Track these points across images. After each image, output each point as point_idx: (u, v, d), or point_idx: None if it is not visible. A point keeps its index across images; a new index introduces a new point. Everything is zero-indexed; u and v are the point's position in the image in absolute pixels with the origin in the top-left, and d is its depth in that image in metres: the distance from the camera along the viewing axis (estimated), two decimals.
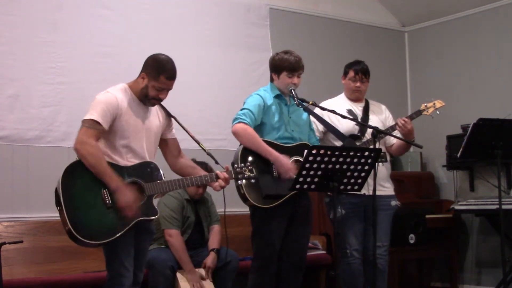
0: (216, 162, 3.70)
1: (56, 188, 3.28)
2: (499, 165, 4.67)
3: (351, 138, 4.29)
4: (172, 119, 3.69)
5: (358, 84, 4.44)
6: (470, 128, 4.61)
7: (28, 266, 4.64)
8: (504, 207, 4.80)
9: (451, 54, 6.75)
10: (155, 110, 3.61)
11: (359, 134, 4.32)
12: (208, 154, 3.70)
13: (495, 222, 5.75)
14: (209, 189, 4.88)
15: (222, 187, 3.62)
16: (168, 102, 5.25)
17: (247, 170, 3.69)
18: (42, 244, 4.74)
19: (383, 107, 4.64)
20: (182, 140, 3.81)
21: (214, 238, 4.89)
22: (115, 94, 3.42)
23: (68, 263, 4.73)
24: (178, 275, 4.63)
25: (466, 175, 6.40)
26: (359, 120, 4.35)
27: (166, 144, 3.69)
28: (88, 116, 3.34)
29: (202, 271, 4.69)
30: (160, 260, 4.56)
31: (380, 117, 4.51)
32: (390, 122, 4.52)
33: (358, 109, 4.47)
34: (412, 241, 5.68)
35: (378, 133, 4.04)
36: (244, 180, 3.75)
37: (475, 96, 6.45)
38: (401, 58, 7.20)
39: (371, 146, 4.12)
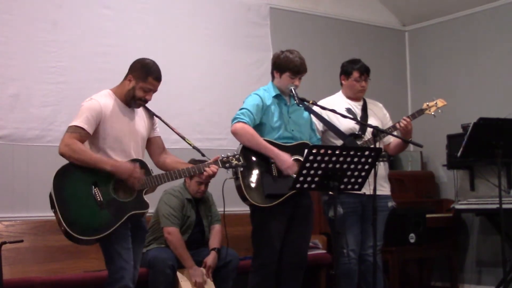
0: (203, 155, 3.77)
1: (50, 192, 3.39)
2: (499, 164, 4.67)
3: (352, 137, 4.28)
4: (155, 118, 3.78)
5: (364, 84, 4.42)
6: (470, 128, 4.61)
7: (28, 265, 4.64)
8: (504, 206, 4.80)
9: (452, 53, 6.75)
10: (140, 112, 3.70)
11: (359, 133, 4.30)
12: (194, 147, 3.78)
13: (496, 222, 5.74)
14: (210, 189, 4.91)
15: (210, 177, 3.70)
16: (168, 102, 5.31)
17: (234, 159, 3.73)
18: (43, 244, 4.74)
19: (380, 105, 4.61)
20: (180, 140, 3.88)
21: (215, 238, 4.89)
22: (99, 100, 3.55)
23: (68, 263, 4.73)
24: (179, 274, 4.63)
25: (467, 174, 6.39)
26: (359, 119, 4.34)
27: (150, 143, 3.78)
28: (72, 123, 3.48)
29: (203, 270, 4.70)
30: (160, 260, 4.56)
31: (379, 116, 4.48)
32: (388, 120, 4.50)
33: (357, 108, 4.44)
34: (412, 241, 5.67)
35: (378, 133, 4.03)
36: (231, 169, 3.78)
37: (475, 96, 6.45)
38: (401, 57, 7.20)
39: (372, 146, 4.12)
